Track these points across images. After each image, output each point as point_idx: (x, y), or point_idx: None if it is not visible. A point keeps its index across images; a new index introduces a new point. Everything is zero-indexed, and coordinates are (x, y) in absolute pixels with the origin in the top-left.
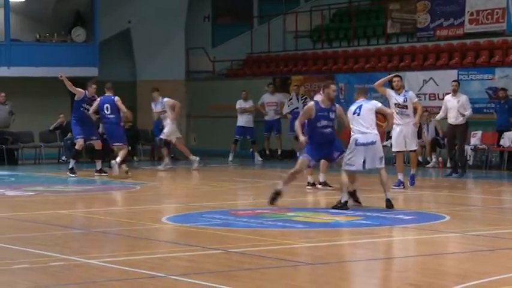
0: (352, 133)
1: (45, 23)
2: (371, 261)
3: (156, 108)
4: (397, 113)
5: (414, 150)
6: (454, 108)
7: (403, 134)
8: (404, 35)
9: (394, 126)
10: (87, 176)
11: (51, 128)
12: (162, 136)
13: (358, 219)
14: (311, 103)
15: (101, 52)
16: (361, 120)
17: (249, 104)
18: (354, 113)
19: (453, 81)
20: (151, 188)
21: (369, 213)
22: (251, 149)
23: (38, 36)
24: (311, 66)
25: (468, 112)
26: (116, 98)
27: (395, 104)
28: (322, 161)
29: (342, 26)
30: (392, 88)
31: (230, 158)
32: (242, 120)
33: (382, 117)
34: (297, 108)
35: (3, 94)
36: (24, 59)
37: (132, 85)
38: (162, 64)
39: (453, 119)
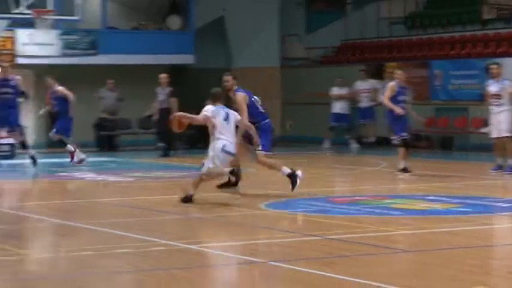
0: None
1: (142, 11)
2: (469, 249)
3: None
4: (492, 101)
5: (509, 137)
6: None
7: (499, 120)
8: (501, 21)
9: (492, 113)
10: (185, 162)
11: (148, 113)
12: None
13: (457, 207)
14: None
15: (196, 40)
16: None
17: (344, 91)
18: None
19: None
20: (249, 175)
21: (468, 201)
22: (346, 136)
23: (134, 24)
24: (405, 53)
25: None
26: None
27: (490, 92)
28: (402, 149)
29: (437, 12)
30: (492, 76)
31: (326, 145)
32: (337, 107)
33: None
34: None
35: (111, 81)
36: (121, 47)
37: (227, 72)
38: (256, 51)
39: None
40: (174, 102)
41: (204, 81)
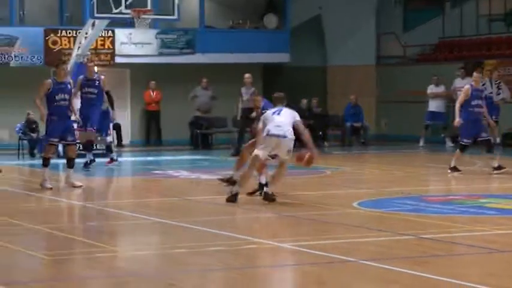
0: None
1: (239, 10)
2: None
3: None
4: None
5: None
6: None
7: None
8: None
9: None
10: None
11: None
12: None
13: None
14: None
15: (292, 38)
16: None
17: (440, 89)
18: None
19: None
20: (342, 173)
21: None
22: (442, 134)
23: (231, 23)
24: (505, 50)
25: None
26: None
27: None
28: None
29: None
30: None
31: (421, 143)
32: (433, 105)
33: None
34: (491, 93)
35: (205, 80)
36: (217, 45)
37: (323, 70)
38: (352, 49)
39: None
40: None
41: (300, 79)
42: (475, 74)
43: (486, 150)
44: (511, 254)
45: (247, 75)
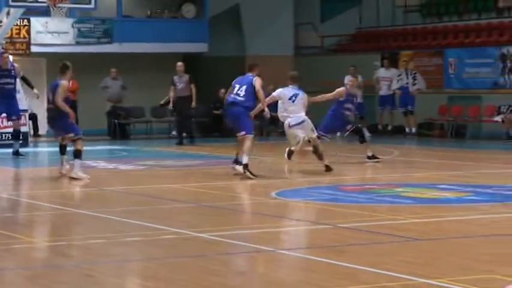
0: None
1: None
2: (480, 238)
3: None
4: None
5: None
6: None
7: None
8: None
9: None
10: (198, 151)
11: (162, 102)
12: None
13: (468, 195)
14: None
15: (210, 28)
16: None
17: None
18: None
19: None
20: (260, 163)
21: (479, 190)
22: (359, 125)
23: (149, 12)
24: (421, 41)
25: None
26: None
27: None
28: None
29: (452, 0)
30: None
31: (338, 134)
32: None
33: None
34: (407, 83)
35: (114, 70)
36: (135, 35)
37: (241, 60)
38: (270, 39)
39: None
40: (193, 88)
41: (218, 69)
42: (350, 78)
43: (359, 140)
44: (427, 242)
45: (179, 63)
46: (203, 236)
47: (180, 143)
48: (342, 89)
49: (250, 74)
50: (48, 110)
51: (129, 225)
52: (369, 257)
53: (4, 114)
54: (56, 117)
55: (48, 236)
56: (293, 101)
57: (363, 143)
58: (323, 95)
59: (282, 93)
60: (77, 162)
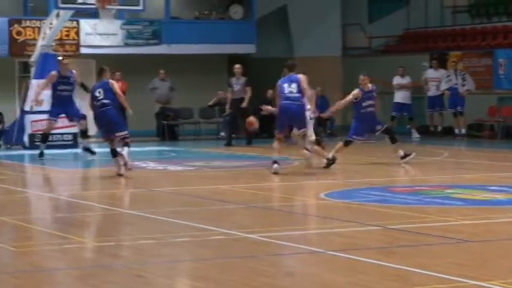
0: None
1: (204, 0)
2: None
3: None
4: None
5: None
6: None
7: None
8: None
9: None
10: (246, 152)
11: (210, 103)
12: None
13: None
14: None
15: (258, 29)
16: None
17: (406, 80)
18: None
19: None
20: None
21: None
22: (408, 126)
23: (196, 13)
24: (470, 42)
25: None
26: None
27: None
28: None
29: (502, 0)
30: None
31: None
32: (399, 97)
33: None
34: (456, 84)
35: (162, 71)
36: (183, 36)
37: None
38: (318, 40)
39: None
40: (249, 91)
41: (265, 70)
42: (361, 76)
43: (390, 141)
44: (478, 244)
45: (237, 65)
46: (252, 237)
47: (229, 144)
48: (356, 90)
49: (294, 74)
50: (103, 109)
51: (178, 226)
52: (418, 258)
53: (63, 115)
54: (112, 115)
55: (99, 236)
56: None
57: (394, 143)
58: (339, 101)
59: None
60: (126, 149)
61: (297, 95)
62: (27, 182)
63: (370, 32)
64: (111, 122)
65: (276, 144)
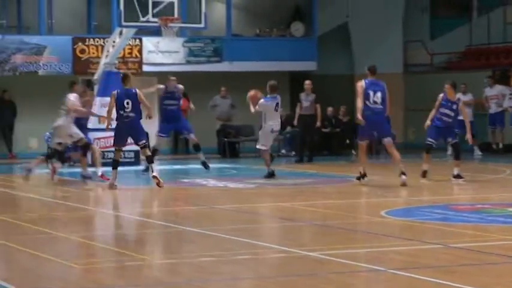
0: None
1: (265, 18)
2: None
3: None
4: None
5: None
6: None
7: None
8: None
9: None
10: (307, 169)
11: None
12: None
13: None
14: None
15: (319, 46)
16: None
17: (468, 97)
18: None
19: None
20: (369, 182)
21: None
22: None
23: (258, 31)
24: None
25: None
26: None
27: None
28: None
29: None
30: None
31: (449, 152)
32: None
33: None
34: None
35: (224, 88)
36: (244, 54)
37: (350, 78)
38: (379, 57)
39: None
40: (319, 108)
41: (326, 87)
42: (446, 85)
43: (454, 157)
44: None
45: (307, 81)
46: (313, 255)
47: (300, 161)
48: (440, 95)
49: (380, 81)
50: (127, 120)
51: (238, 243)
52: (480, 277)
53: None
54: (134, 125)
55: (159, 254)
56: (276, 110)
57: (456, 160)
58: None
59: (266, 105)
60: (154, 166)
61: (381, 106)
62: (90, 199)
63: (432, 49)
64: (135, 131)
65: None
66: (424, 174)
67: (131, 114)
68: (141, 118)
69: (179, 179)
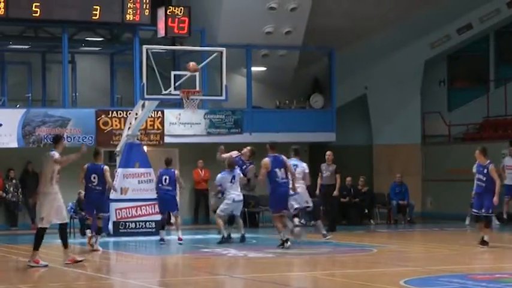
0: None
1: (285, 90)
2: None
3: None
4: None
5: None
6: None
7: None
8: None
9: None
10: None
11: None
12: None
13: None
14: None
15: (337, 117)
16: None
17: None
18: None
19: None
20: (388, 251)
21: None
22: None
23: (277, 103)
24: None
25: None
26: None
27: None
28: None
29: None
30: None
31: (467, 222)
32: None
33: None
34: None
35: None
36: (264, 125)
37: (369, 149)
38: (398, 128)
39: None
40: (339, 179)
41: (345, 158)
42: (476, 151)
43: (484, 224)
44: None
45: (328, 152)
46: None
47: (333, 229)
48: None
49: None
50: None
51: None
52: None
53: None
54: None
55: None
56: (232, 182)
57: (487, 228)
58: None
59: (223, 177)
60: (99, 237)
61: None
62: (111, 268)
63: (449, 120)
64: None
65: None
66: (482, 242)
67: (98, 188)
68: (105, 191)
69: (199, 248)
